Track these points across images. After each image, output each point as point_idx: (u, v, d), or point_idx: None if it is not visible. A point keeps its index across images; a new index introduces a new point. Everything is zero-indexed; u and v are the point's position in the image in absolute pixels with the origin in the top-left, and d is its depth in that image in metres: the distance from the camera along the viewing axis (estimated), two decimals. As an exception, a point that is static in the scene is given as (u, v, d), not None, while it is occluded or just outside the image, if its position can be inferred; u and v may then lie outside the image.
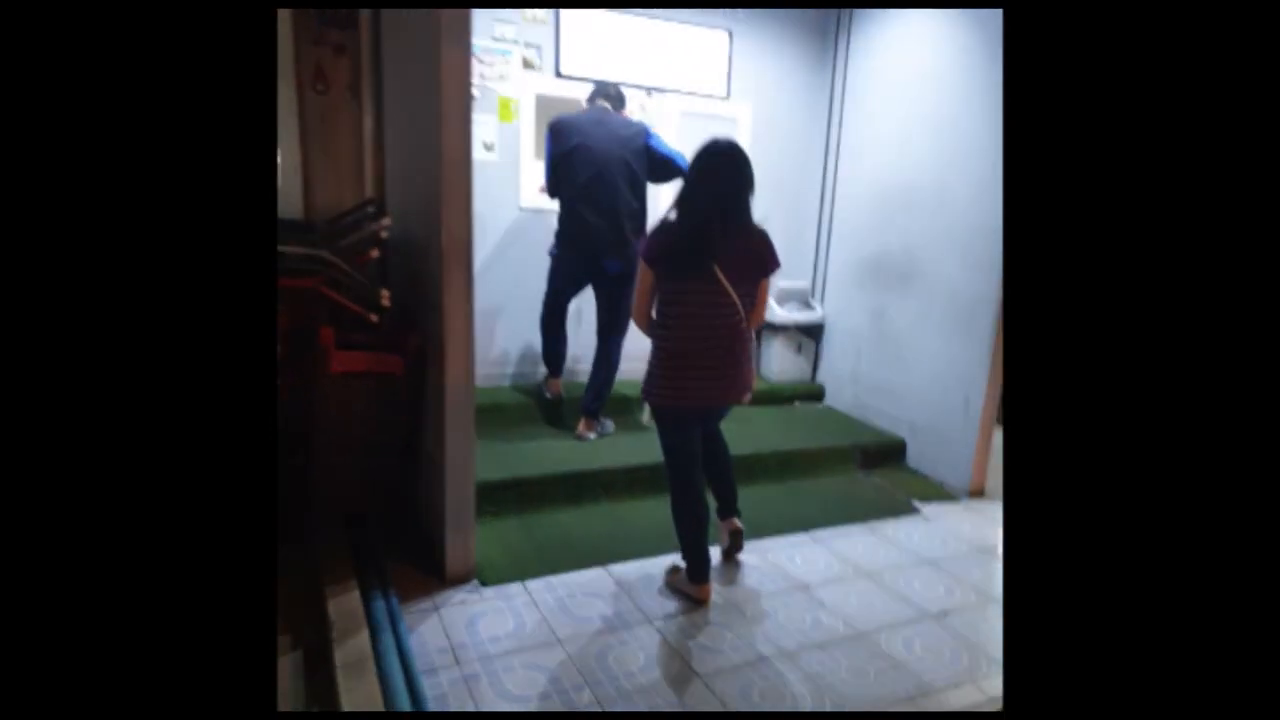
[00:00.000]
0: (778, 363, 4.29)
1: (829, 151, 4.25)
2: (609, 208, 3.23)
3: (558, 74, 3.67)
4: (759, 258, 2.22)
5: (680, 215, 2.21)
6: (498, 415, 3.54)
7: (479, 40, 3.47)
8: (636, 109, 3.85)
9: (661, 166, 3.29)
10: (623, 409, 3.74)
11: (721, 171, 2.18)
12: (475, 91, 3.48)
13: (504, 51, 3.55)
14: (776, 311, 4.17)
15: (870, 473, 3.59)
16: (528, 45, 3.60)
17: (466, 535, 2.41)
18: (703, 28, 3.92)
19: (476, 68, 3.47)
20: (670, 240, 2.19)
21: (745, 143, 3.86)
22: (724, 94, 4.05)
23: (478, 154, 3.53)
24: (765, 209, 4.30)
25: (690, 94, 3.98)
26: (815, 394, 4.29)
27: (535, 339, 3.83)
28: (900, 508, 3.24)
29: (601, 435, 3.45)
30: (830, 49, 4.21)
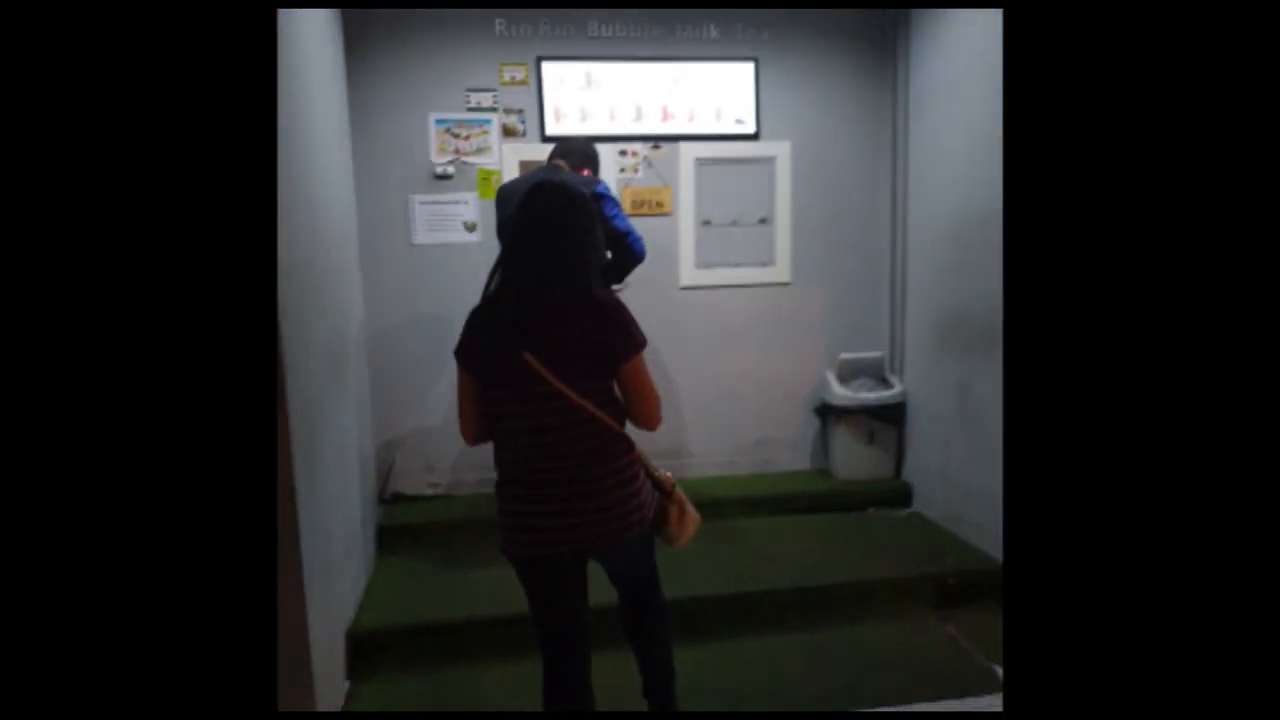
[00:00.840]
0: (843, 456, 3.39)
1: (896, 185, 3.38)
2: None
3: (543, 138, 3.24)
4: (603, 339, 1.52)
5: (485, 294, 1.63)
6: (463, 533, 3.04)
7: (452, 114, 3.15)
8: (639, 164, 3.30)
9: (614, 241, 2.68)
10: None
11: (534, 231, 1.57)
12: (450, 169, 3.16)
13: (482, 121, 3.20)
14: (837, 391, 3.32)
15: (947, 616, 2.59)
16: (508, 111, 3.22)
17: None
18: (718, 63, 3.30)
19: (451, 143, 3.15)
20: (473, 330, 1.60)
21: (785, 189, 3.18)
22: (752, 132, 3.38)
23: (457, 236, 3.19)
24: (819, 266, 3.58)
25: (708, 139, 3.36)
26: (898, 496, 3.32)
27: None
28: (974, 679, 2.25)
29: None
30: (886, 58, 3.39)
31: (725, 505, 3.23)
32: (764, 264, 3.47)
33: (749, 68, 3.32)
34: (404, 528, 3.05)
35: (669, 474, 1.75)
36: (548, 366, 1.48)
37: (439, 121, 3.17)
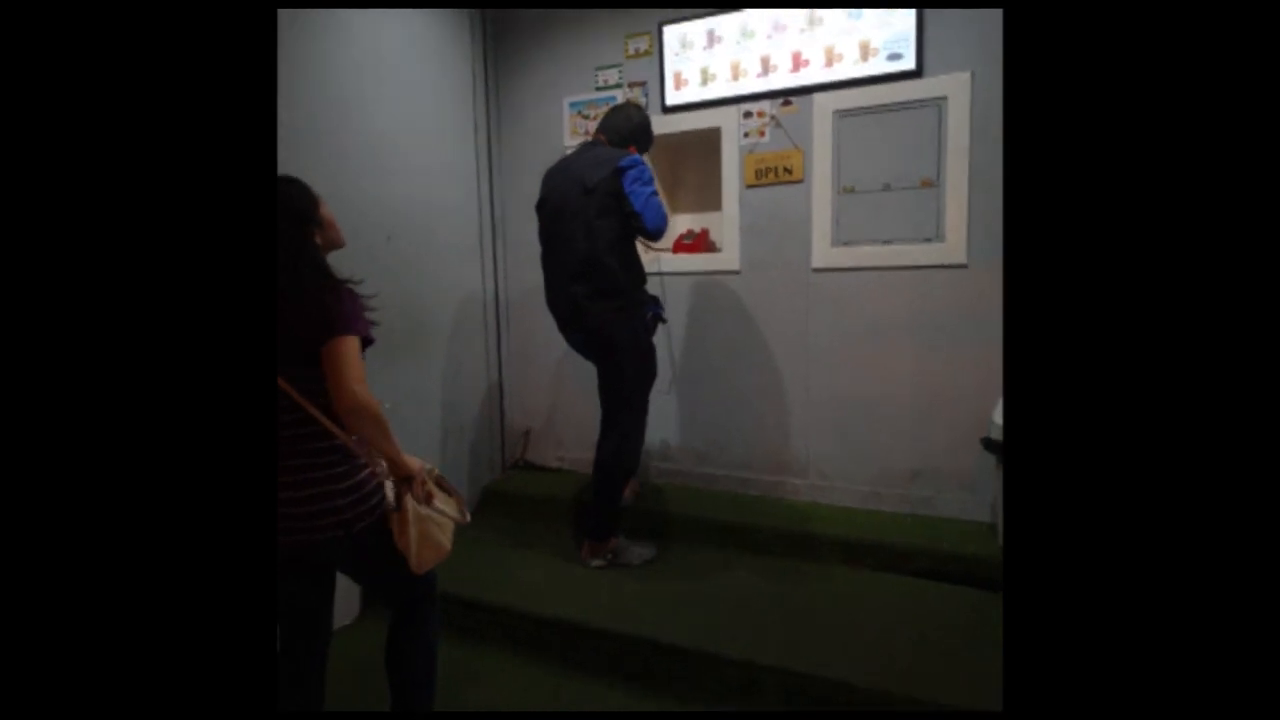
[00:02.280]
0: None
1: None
2: (561, 268, 2.50)
3: (664, 108, 3.00)
4: (307, 322, 1.39)
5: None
6: (552, 508, 3.01)
7: (582, 95, 3.17)
8: (765, 126, 2.81)
9: (632, 219, 2.37)
10: (693, 534, 2.72)
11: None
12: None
13: (609, 99, 3.11)
14: (1001, 422, 2.33)
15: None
16: (631, 85, 3.06)
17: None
18: (867, -16, 2.60)
19: (581, 124, 3.17)
20: None
21: (960, 140, 2.57)
22: (912, 68, 2.57)
23: (585, 217, 3.21)
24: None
25: (851, 85, 2.67)
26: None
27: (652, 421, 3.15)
28: None
29: (617, 564, 2.57)
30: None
31: (821, 543, 2.58)
32: (928, 240, 2.62)
33: (909, -16, 2.53)
34: (505, 494, 3.19)
35: (419, 468, 1.52)
36: (281, 353, 1.42)
37: (572, 104, 3.19)
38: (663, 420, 3.17)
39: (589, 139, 2.60)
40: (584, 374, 3.31)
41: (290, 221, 1.44)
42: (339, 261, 1.54)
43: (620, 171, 2.35)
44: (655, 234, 2.38)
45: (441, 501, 1.55)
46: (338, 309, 1.40)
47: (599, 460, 2.55)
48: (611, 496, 2.56)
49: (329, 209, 1.53)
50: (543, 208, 2.57)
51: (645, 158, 2.57)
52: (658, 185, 2.52)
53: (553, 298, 2.57)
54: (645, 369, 2.56)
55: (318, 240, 1.49)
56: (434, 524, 1.50)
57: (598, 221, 2.39)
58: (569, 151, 2.93)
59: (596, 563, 2.57)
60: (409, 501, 1.47)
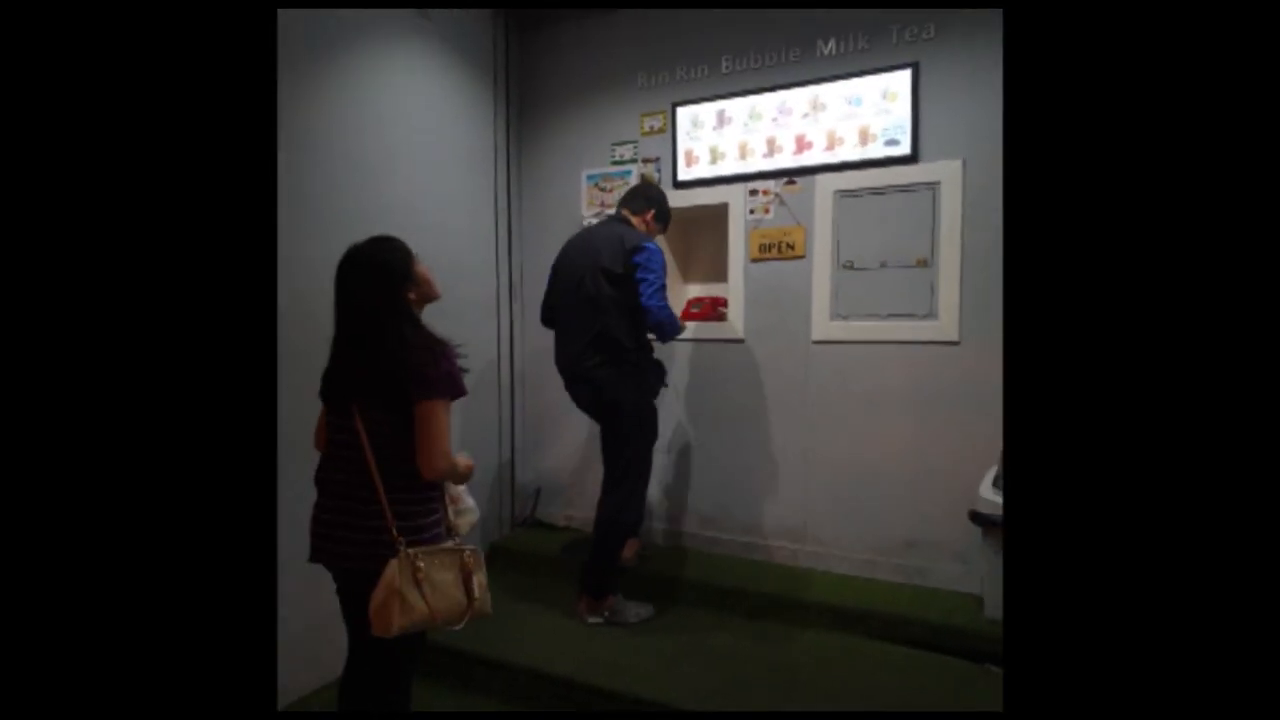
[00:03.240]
0: (994, 586, 2.39)
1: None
2: (571, 334, 2.65)
3: (675, 184, 3.17)
4: (397, 375, 1.56)
5: None
6: (546, 566, 3.09)
7: (598, 168, 3.36)
8: (770, 204, 2.96)
9: (640, 312, 2.54)
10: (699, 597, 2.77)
11: (343, 287, 1.65)
12: (593, 220, 3.37)
13: (623, 173, 3.30)
14: (986, 494, 2.39)
15: None
16: (645, 160, 3.25)
17: None
18: (866, 76, 2.76)
19: (597, 196, 3.36)
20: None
21: (953, 222, 2.69)
22: (907, 153, 2.71)
23: (598, 282, 3.36)
24: (1000, 322, 2.55)
25: (851, 167, 2.81)
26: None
27: (664, 486, 3.25)
28: None
29: (614, 622, 2.64)
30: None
31: (814, 609, 2.63)
32: (923, 316, 2.72)
33: (905, 76, 2.69)
34: (512, 551, 3.28)
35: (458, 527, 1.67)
36: (359, 399, 1.62)
37: (589, 177, 3.38)
38: (668, 482, 3.26)
39: (611, 212, 2.78)
40: (593, 435, 3.43)
41: (391, 278, 1.61)
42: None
43: (634, 252, 2.51)
44: (660, 332, 2.57)
45: (439, 569, 1.58)
46: (436, 372, 1.56)
47: (599, 518, 2.64)
48: (610, 554, 2.64)
49: (424, 266, 1.70)
50: (557, 273, 2.72)
51: (660, 240, 2.72)
52: (668, 279, 2.64)
53: (561, 359, 2.70)
54: (645, 431, 2.67)
55: (412, 296, 1.65)
56: (423, 583, 1.53)
57: (609, 297, 2.54)
58: (593, 222, 3.12)
59: (593, 619, 2.64)
60: (395, 562, 1.52)
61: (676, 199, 3.15)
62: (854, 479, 2.88)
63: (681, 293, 3.43)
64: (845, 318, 2.86)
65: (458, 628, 1.60)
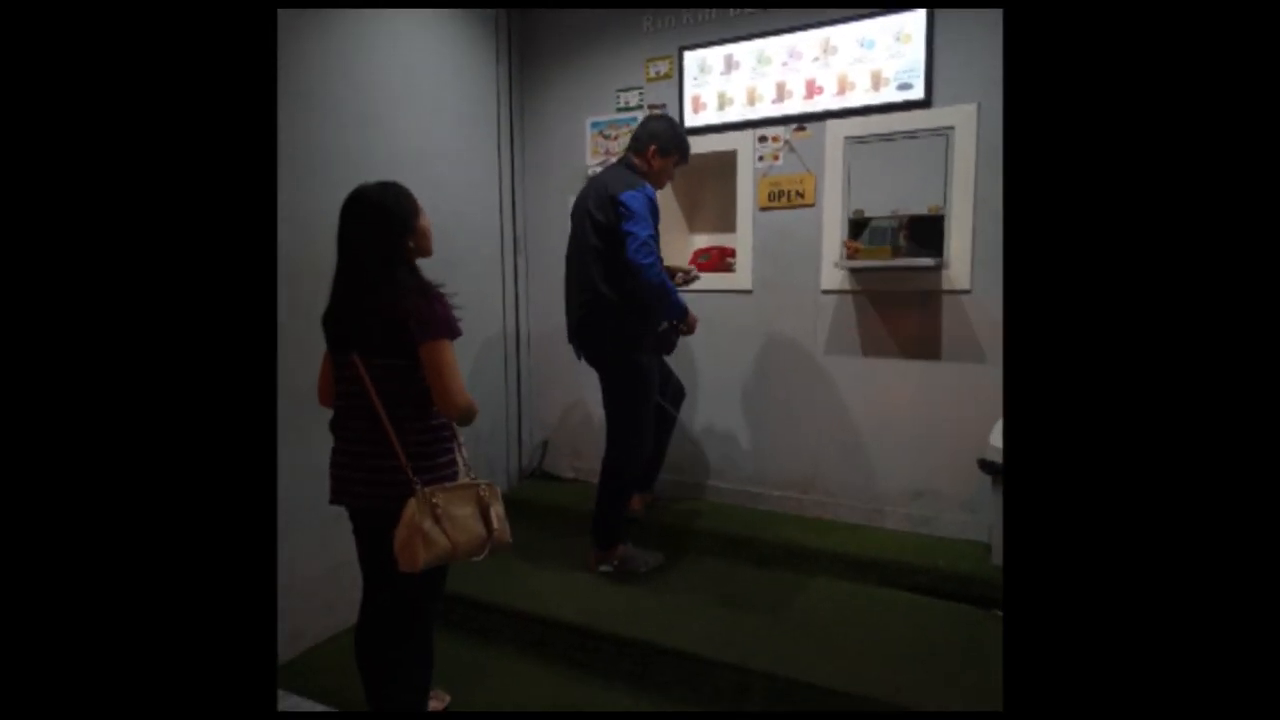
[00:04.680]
0: (1001, 534, 2.41)
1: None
2: (571, 285, 2.62)
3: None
4: (393, 321, 1.58)
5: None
6: (554, 516, 3.12)
7: (603, 115, 3.28)
8: (780, 150, 2.90)
9: (622, 244, 2.43)
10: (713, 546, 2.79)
11: (345, 228, 1.65)
12: (598, 169, 3.31)
13: (630, 120, 3.22)
14: (996, 443, 2.38)
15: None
16: (651, 107, 3.17)
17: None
18: (879, 17, 2.67)
19: (602, 144, 3.29)
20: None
21: (966, 169, 2.64)
22: (921, 98, 2.64)
23: (604, 234, 3.32)
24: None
25: (862, 112, 2.74)
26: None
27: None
28: None
29: (624, 570, 2.66)
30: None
31: (823, 557, 2.65)
32: (933, 266, 2.68)
33: (919, 17, 2.61)
34: (520, 502, 3.30)
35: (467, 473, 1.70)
36: (362, 344, 1.64)
37: (593, 124, 3.31)
38: (677, 434, 3.27)
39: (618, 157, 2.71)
40: (599, 387, 3.42)
41: (389, 223, 1.60)
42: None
43: (617, 204, 2.41)
44: (646, 284, 2.39)
45: (457, 504, 1.61)
46: (434, 313, 1.57)
47: (603, 469, 2.65)
48: (615, 504, 2.65)
49: (428, 219, 1.69)
50: (572, 223, 2.67)
51: (649, 191, 2.50)
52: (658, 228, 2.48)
53: (567, 309, 2.67)
54: (635, 390, 2.59)
55: (410, 245, 1.64)
56: (442, 519, 1.56)
57: (594, 248, 2.48)
58: (598, 170, 3.07)
59: (604, 568, 2.67)
60: (413, 501, 1.55)
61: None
62: (862, 429, 2.89)
63: (689, 243, 3.38)
64: (854, 269, 2.82)
65: (480, 558, 1.64)
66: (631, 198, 2.41)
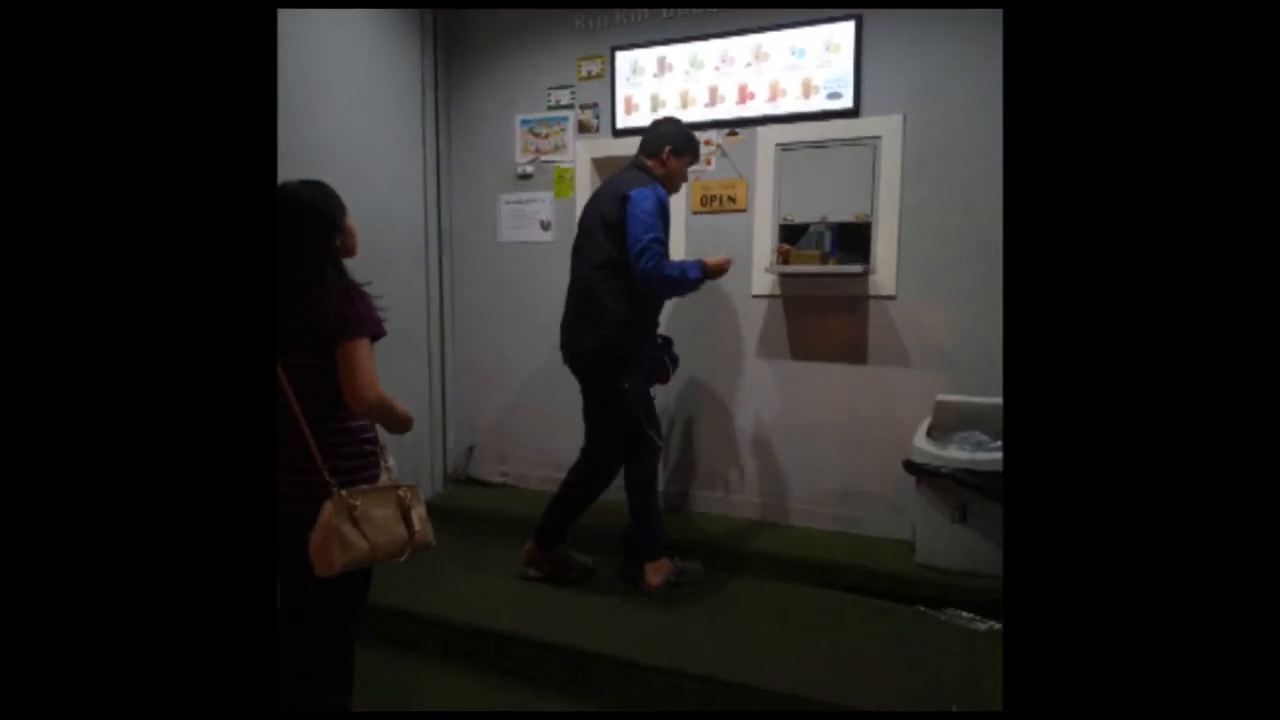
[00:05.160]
0: (926, 533, 2.49)
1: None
2: (573, 289, 2.50)
3: (614, 132, 3.08)
4: (316, 319, 1.51)
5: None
6: (481, 524, 3.03)
7: (534, 114, 3.22)
8: (712, 155, 2.91)
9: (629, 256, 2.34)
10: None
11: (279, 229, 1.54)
12: (529, 168, 3.24)
13: (559, 119, 3.18)
14: (920, 444, 2.46)
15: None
16: (583, 107, 3.14)
17: None
18: (810, 27, 2.73)
19: (532, 143, 3.23)
20: None
21: (893, 178, 2.68)
22: (850, 107, 2.71)
23: (534, 235, 3.27)
24: (937, 277, 2.72)
25: (793, 119, 2.79)
26: (993, 602, 2.31)
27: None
28: None
29: (682, 582, 2.57)
30: None
31: (749, 558, 2.67)
32: (861, 272, 2.75)
33: (848, 28, 2.67)
34: (445, 509, 3.19)
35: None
36: (292, 345, 1.54)
37: (524, 122, 3.25)
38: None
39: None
40: (531, 386, 3.36)
41: (318, 223, 1.55)
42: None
43: (625, 201, 2.32)
44: (642, 276, 2.27)
45: (376, 506, 1.54)
46: (353, 311, 1.51)
47: (574, 473, 2.58)
48: (573, 508, 2.56)
49: (353, 219, 1.63)
50: (579, 225, 2.55)
51: (658, 189, 2.37)
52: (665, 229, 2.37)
53: (565, 314, 2.52)
54: (614, 414, 2.44)
55: (337, 244, 1.59)
56: (360, 521, 1.49)
57: (604, 254, 2.37)
58: (528, 171, 3.17)
59: (658, 585, 2.52)
60: (329, 504, 1.48)
61: (615, 147, 3.08)
62: (791, 431, 2.93)
63: (620, 246, 3.36)
64: (784, 275, 2.86)
65: (403, 559, 1.57)
66: (642, 195, 2.31)
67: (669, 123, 2.54)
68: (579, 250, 2.49)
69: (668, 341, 2.65)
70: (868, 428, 2.80)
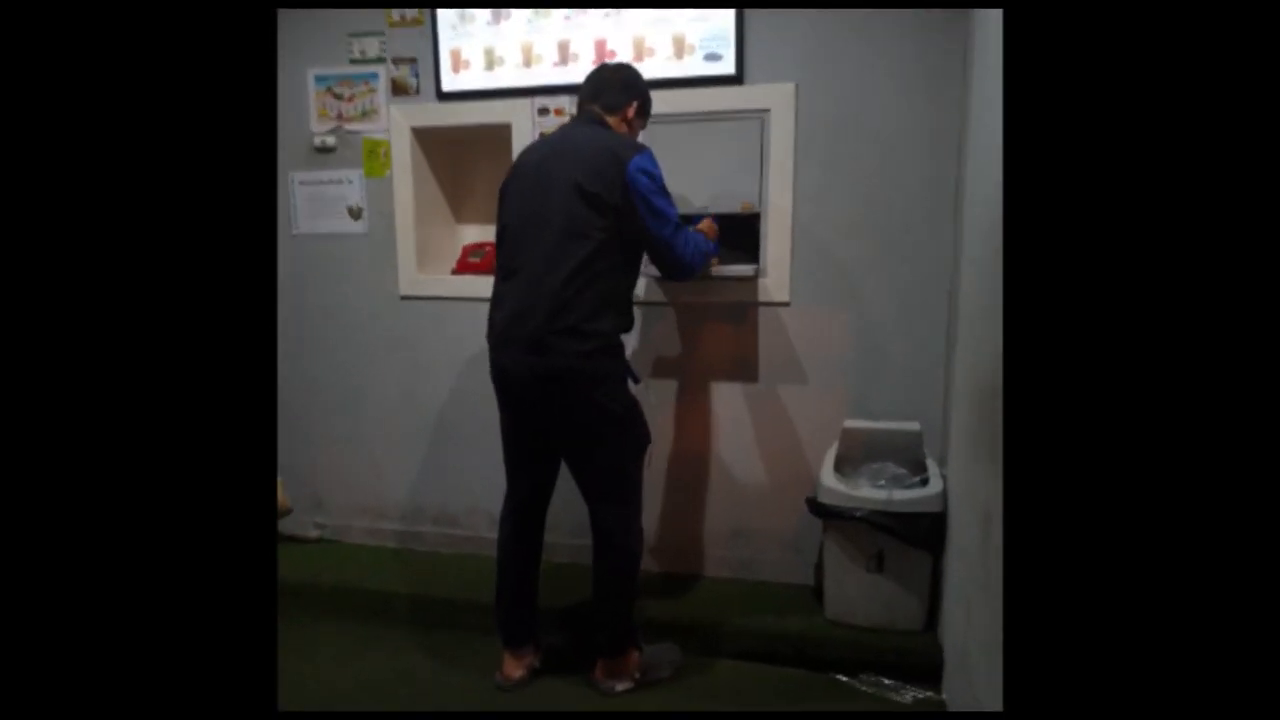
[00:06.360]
0: (834, 584, 2.12)
1: (968, 155, 2.02)
2: (523, 285, 1.80)
3: (439, 94, 2.43)
4: None
5: None
6: (302, 600, 2.36)
7: (334, 68, 2.48)
8: (550, 125, 2.33)
9: (646, 232, 1.80)
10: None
11: None
12: (330, 139, 2.50)
13: (367, 76, 2.47)
14: (827, 481, 2.07)
15: None
16: (397, 61, 2.45)
17: None
18: (681, -32, 2.21)
19: (333, 106, 2.49)
20: None
21: (785, 159, 2.21)
22: (731, 72, 2.23)
23: (341, 225, 2.54)
24: (839, 280, 2.22)
25: (664, 85, 2.27)
26: (916, 665, 1.98)
27: (437, 476, 2.64)
28: None
29: (649, 680, 1.98)
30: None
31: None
32: (748, 273, 2.30)
33: (728, -26, 2.18)
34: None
35: None
36: None
37: (319, 79, 2.51)
38: (434, 473, 2.63)
39: (579, 111, 1.92)
40: (349, 415, 2.69)
41: None
42: None
43: (622, 167, 1.73)
44: (688, 273, 1.92)
45: None
46: None
47: (600, 552, 1.96)
48: (624, 593, 1.96)
49: None
50: (509, 201, 1.87)
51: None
52: None
53: (504, 320, 1.83)
54: (634, 433, 1.90)
55: None
56: None
57: (576, 230, 1.74)
58: (330, 141, 2.46)
59: (621, 688, 1.94)
60: None
61: (441, 114, 2.44)
62: (671, 459, 2.46)
63: (456, 237, 2.72)
64: (659, 273, 2.36)
65: None
66: (646, 161, 1.78)
67: (631, 70, 1.94)
68: (525, 232, 1.81)
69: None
70: (761, 456, 2.39)
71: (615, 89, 1.89)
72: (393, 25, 2.43)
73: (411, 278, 2.53)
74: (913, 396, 2.23)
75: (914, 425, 2.14)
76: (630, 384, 1.89)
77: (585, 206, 1.74)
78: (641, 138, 2.28)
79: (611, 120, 1.88)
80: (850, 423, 2.18)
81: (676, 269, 1.89)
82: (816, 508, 2.08)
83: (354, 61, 2.47)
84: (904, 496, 1.99)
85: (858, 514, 1.98)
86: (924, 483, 2.03)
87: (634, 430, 1.89)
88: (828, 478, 2.07)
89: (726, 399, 2.39)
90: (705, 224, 2.08)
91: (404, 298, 2.55)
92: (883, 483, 2.07)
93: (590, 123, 1.87)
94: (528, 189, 1.82)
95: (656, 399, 2.40)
